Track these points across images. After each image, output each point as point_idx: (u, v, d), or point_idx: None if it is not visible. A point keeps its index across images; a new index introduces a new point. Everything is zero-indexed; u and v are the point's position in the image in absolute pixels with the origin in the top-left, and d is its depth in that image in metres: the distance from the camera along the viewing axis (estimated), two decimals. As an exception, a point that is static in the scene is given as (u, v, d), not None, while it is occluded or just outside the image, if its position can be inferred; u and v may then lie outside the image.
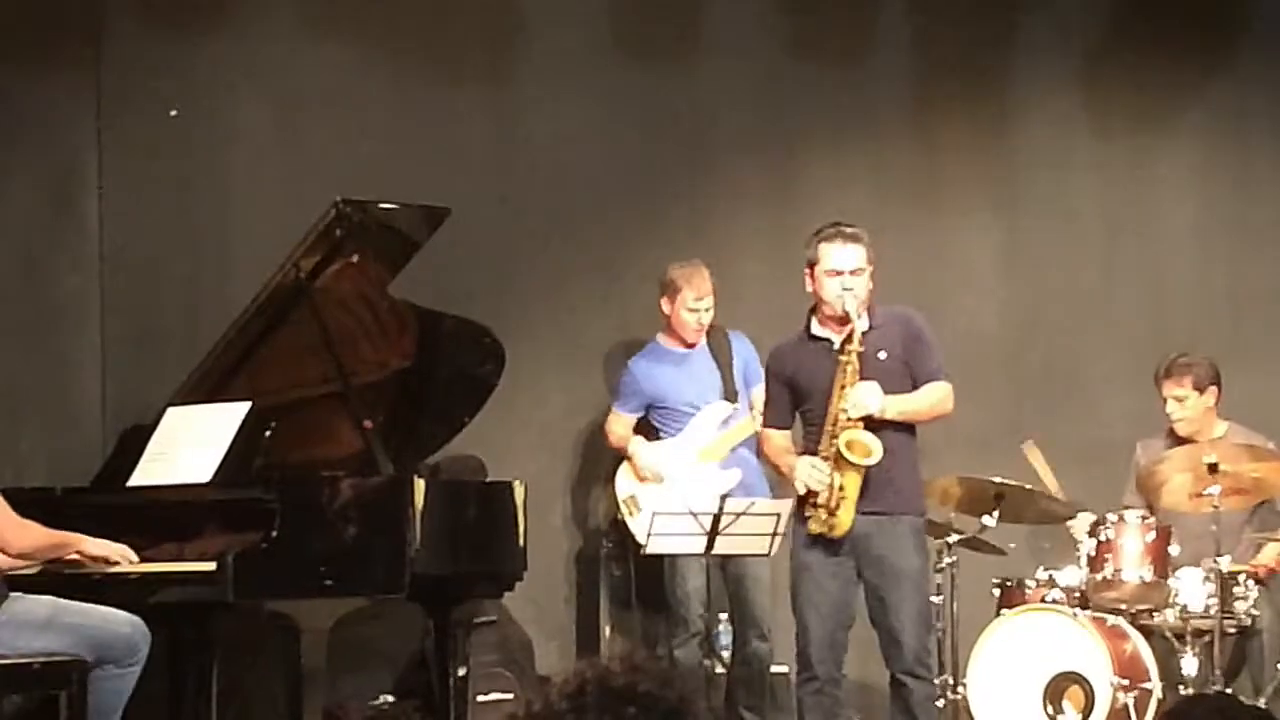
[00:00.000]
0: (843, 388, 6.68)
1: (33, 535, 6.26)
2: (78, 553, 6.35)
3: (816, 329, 6.86)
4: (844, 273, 6.75)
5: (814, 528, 6.72)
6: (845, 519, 6.69)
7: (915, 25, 9.11)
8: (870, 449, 6.65)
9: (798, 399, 6.90)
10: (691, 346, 8.21)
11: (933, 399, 6.85)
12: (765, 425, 7.09)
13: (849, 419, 6.66)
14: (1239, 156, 9.29)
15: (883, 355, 6.76)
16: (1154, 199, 9.25)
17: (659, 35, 8.91)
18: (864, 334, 6.72)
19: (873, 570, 6.79)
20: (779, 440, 6.98)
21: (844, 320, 6.74)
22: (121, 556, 6.38)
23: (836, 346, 6.77)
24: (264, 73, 8.46)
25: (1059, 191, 9.20)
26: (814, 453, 6.75)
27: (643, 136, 8.87)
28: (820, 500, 6.68)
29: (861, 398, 6.66)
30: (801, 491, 6.72)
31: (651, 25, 8.90)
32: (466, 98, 8.67)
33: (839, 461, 6.65)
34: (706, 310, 8.15)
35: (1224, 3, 9.27)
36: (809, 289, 6.86)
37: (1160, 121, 9.22)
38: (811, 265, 6.82)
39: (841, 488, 6.66)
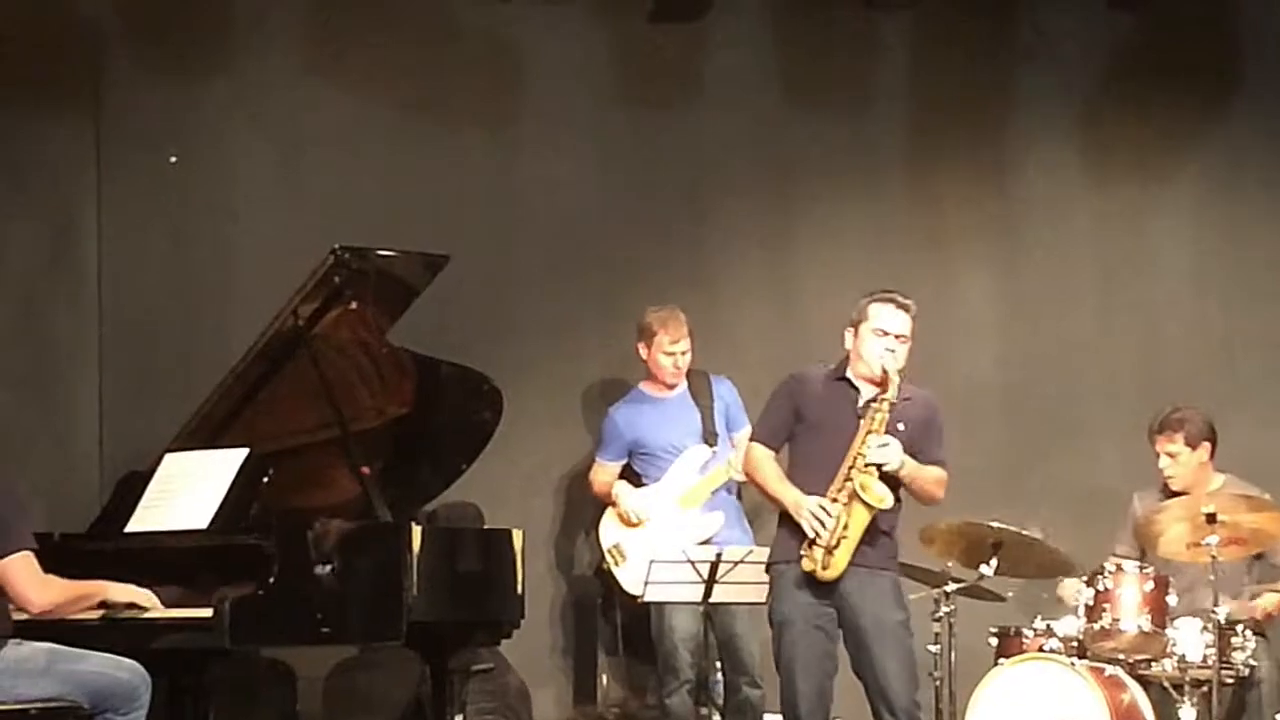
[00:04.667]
0: (869, 433, 6.72)
1: (53, 592, 6.23)
2: (102, 602, 6.35)
3: (850, 374, 6.89)
4: (890, 334, 6.82)
5: (807, 566, 6.71)
6: (841, 560, 6.68)
7: (914, 74, 9.15)
8: (883, 496, 6.69)
9: (798, 428, 6.89)
10: (671, 389, 8.22)
11: (935, 478, 6.91)
12: (753, 438, 7.04)
13: (867, 464, 6.69)
14: (1235, 207, 9.31)
15: (901, 427, 6.79)
16: (1151, 248, 9.27)
17: (658, 82, 8.94)
18: (895, 409, 6.76)
19: (855, 622, 6.77)
20: (771, 461, 6.93)
21: (878, 381, 6.79)
22: (148, 601, 6.38)
23: (864, 399, 6.80)
24: (264, 118, 8.50)
25: (1056, 240, 9.22)
26: (809, 491, 6.76)
27: (641, 183, 8.90)
28: (821, 540, 6.68)
29: (887, 450, 6.70)
30: (810, 534, 6.70)
31: (650, 72, 8.93)
32: (466, 145, 8.70)
33: (850, 499, 6.67)
34: (683, 353, 8.19)
35: (1220, 56, 9.31)
36: (848, 345, 6.88)
37: (1157, 172, 9.25)
38: (856, 323, 6.87)
39: (846, 526, 6.67)
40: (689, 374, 8.25)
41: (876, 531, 6.77)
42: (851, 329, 6.89)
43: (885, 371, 6.76)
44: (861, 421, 6.76)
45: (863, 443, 6.71)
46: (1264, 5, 9.30)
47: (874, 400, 6.78)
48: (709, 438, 8.16)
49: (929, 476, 6.89)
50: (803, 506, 6.71)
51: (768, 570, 6.90)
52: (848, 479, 6.69)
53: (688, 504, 8.10)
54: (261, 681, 7.55)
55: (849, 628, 6.78)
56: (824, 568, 6.69)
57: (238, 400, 7.11)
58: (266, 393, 7.11)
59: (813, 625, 6.77)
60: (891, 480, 6.76)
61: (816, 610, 6.77)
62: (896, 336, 6.82)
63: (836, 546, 6.67)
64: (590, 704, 8.52)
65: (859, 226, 9.09)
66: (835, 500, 6.69)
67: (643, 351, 8.23)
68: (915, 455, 6.83)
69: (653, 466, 8.19)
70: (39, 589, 6.20)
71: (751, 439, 7.06)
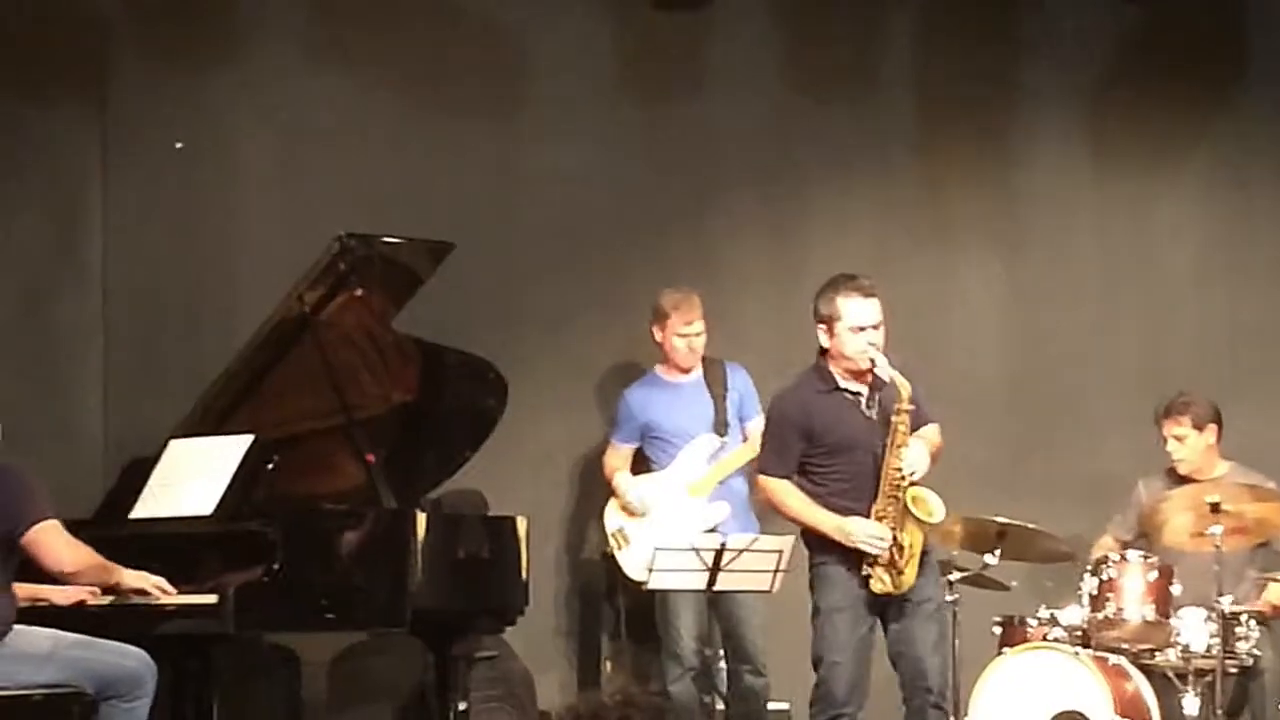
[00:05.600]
0: (898, 447, 6.66)
1: (83, 554, 6.29)
2: (116, 583, 6.36)
3: (842, 381, 6.79)
4: (867, 328, 6.70)
5: (878, 588, 6.69)
6: (911, 575, 6.70)
7: (919, 65, 9.14)
8: (932, 507, 6.67)
9: (812, 450, 6.79)
10: (687, 373, 8.22)
11: (937, 433, 6.93)
12: (767, 472, 6.91)
13: (906, 479, 6.65)
14: (1239, 197, 9.30)
15: (912, 408, 6.73)
16: (1155, 239, 9.27)
17: (663, 70, 8.93)
18: (882, 391, 6.71)
19: (896, 604, 6.77)
20: (795, 491, 6.81)
21: (866, 375, 6.73)
22: (157, 589, 6.38)
23: (864, 400, 6.75)
24: (269, 105, 8.49)
25: (1061, 231, 9.22)
26: (836, 508, 6.72)
27: (646, 171, 8.89)
28: (883, 560, 6.67)
29: (917, 459, 6.68)
30: (873, 554, 6.65)
31: (655, 60, 8.92)
32: (471, 132, 8.70)
33: (904, 516, 6.64)
34: (697, 335, 8.17)
35: (1225, 46, 9.29)
36: (825, 344, 6.78)
37: (1161, 163, 9.24)
38: (829, 321, 6.74)
39: (910, 545, 6.66)
40: (705, 361, 8.23)
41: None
42: (824, 327, 6.76)
43: (873, 366, 6.68)
44: (887, 440, 6.67)
45: (895, 457, 6.66)
46: (1271, -6, 9.32)
47: (894, 414, 6.67)
48: (720, 426, 8.14)
49: (935, 440, 6.89)
50: (853, 536, 6.67)
51: (811, 567, 6.82)
52: (892, 497, 6.65)
53: (696, 492, 8.09)
54: (266, 667, 7.55)
55: (893, 607, 6.76)
56: (896, 588, 6.69)
57: (243, 387, 7.13)
58: (271, 380, 7.12)
59: (860, 612, 6.76)
60: None
61: (863, 596, 6.75)
62: (874, 327, 6.71)
63: (906, 564, 6.67)
64: (594, 690, 8.52)
65: (863, 215, 9.08)
66: (882, 519, 6.65)
67: (656, 334, 8.22)
68: (920, 425, 6.81)
69: (663, 452, 8.17)
70: (71, 550, 6.25)
71: (762, 472, 6.96)
